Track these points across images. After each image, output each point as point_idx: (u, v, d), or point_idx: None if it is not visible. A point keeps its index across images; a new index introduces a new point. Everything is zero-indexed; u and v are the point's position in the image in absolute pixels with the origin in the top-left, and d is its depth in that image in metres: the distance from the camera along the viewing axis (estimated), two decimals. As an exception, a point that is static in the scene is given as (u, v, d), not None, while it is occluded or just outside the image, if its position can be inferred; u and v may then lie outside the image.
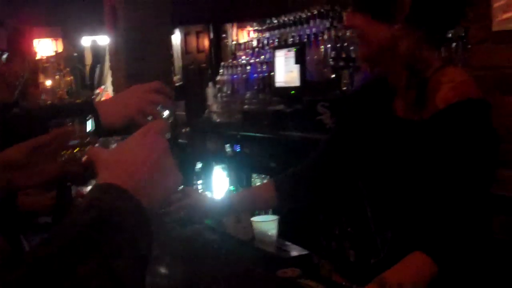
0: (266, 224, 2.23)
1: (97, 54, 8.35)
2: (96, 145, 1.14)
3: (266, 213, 2.43)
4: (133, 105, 1.39)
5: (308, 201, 1.95)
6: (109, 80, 7.61)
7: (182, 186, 1.50)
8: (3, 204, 1.41)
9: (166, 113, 1.39)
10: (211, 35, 8.25)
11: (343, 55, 3.60)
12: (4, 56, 1.37)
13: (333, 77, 3.66)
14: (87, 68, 8.65)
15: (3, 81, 1.94)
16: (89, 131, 1.17)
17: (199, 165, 3.77)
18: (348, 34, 3.63)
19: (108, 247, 0.68)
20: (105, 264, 0.67)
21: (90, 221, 0.70)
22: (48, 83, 7.50)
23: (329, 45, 3.78)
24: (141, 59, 6.08)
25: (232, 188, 3.42)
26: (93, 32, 7.78)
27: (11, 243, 1.58)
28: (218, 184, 3.72)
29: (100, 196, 0.74)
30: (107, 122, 1.37)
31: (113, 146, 0.93)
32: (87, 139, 1.16)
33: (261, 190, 1.92)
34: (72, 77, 7.43)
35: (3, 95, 1.95)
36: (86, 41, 8.53)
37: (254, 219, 2.28)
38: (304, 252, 2.19)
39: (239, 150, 4.19)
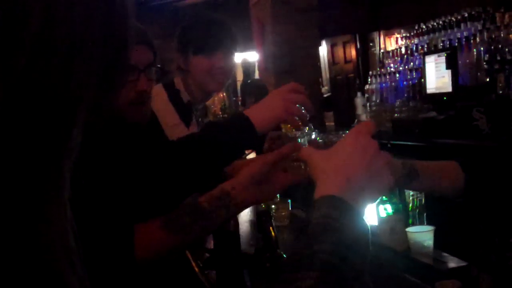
0: (422, 234, 2.20)
1: (248, 70, 8.66)
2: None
3: (421, 223, 2.39)
4: (280, 107, 1.42)
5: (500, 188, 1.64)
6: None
7: None
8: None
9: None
10: (358, 45, 8.23)
11: (498, 58, 3.45)
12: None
13: (488, 81, 3.52)
14: (239, 84, 8.99)
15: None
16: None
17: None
18: (502, 35, 3.48)
19: (350, 273, 0.72)
20: None
21: (331, 248, 0.72)
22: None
23: (482, 48, 3.64)
24: (290, 71, 6.23)
25: (384, 198, 3.38)
26: (243, 49, 8.08)
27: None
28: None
29: (334, 215, 0.75)
30: (260, 128, 1.43)
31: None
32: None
33: (447, 165, 1.50)
34: (225, 94, 7.76)
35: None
36: (237, 58, 8.87)
37: (409, 229, 2.25)
38: (463, 263, 2.12)
39: (390, 159, 4.15)
